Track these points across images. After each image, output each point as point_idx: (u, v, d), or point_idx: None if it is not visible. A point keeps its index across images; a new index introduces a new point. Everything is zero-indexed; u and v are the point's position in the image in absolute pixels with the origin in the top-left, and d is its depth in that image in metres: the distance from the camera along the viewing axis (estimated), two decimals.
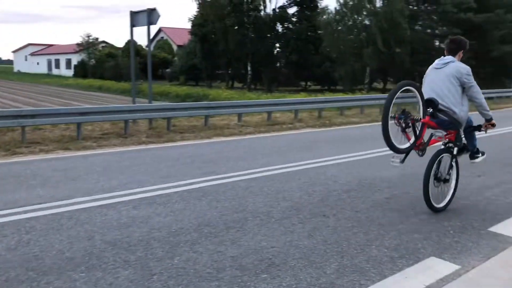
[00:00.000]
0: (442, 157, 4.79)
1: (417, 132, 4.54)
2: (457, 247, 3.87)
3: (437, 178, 4.75)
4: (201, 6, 41.52)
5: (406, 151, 4.60)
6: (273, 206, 4.97)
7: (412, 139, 4.53)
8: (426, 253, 3.72)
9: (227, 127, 11.78)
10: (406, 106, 4.57)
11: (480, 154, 5.24)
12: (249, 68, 41.89)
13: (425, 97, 4.62)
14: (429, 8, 36.79)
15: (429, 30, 37.01)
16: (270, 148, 8.91)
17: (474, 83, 4.72)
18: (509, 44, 31.78)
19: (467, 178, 6.28)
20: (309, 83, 47.98)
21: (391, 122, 4.30)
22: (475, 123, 5.03)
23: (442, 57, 4.92)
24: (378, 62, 33.75)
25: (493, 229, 4.32)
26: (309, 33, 40.58)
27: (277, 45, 44.57)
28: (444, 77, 4.69)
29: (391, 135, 4.27)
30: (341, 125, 12.99)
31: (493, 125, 4.98)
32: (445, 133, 4.87)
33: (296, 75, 43.98)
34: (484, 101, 4.78)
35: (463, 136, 5.01)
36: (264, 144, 9.47)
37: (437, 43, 37.45)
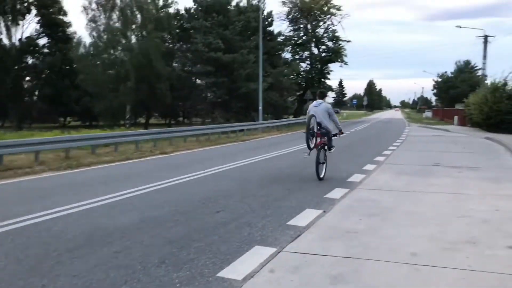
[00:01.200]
0: (321, 151, 9.00)
1: (315, 139, 8.99)
2: None
3: (320, 162, 8.95)
4: None
5: (312, 149, 8.84)
6: None
7: (314, 142, 8.95)
8: None
9: None
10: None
11: (333, 148, 9.46)
12: None
13: (316, 121, 8.98)
14: (184, 46, 38.79)
15: (186, 68, 38.91)
16: None
17: (334, 113, 9.28)
18: (254, 82, 35.87)
19: (206, 216, 6.12)
20: (69, 119, 44.80)
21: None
22: (334, 133, 9.44)
23: (317, 100, 9.41)
24: (137, 97, 33.55)
25: (222, 273, 4.05)
26: (63, 66, 37.94)
27: (28, 78, 40.35)
28: (321, 110, 9.06)
29: (309, 140, 8.77)
30: (91, 165, 11.86)
31: (342, 133, 9.68)
32: (324, 139, 9.14)
33: (53, 110, 40.45)
34: (338, 121, 9.47)
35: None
36: None
37: (193, 80, 39.65)
